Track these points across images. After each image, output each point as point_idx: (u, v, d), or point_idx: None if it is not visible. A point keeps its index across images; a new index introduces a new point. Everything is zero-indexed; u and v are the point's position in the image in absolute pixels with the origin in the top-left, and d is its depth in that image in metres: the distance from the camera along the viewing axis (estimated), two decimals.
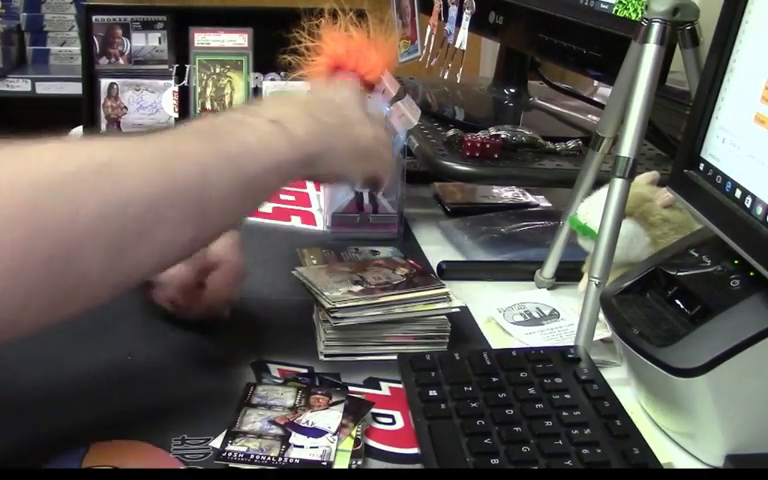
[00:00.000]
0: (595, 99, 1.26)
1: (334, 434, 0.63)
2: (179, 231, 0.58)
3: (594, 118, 1.15)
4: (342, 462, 0.61)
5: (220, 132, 0.63)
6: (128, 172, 0.55)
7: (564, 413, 0.63)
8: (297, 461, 0.60)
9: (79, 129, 1.31)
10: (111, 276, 0.54)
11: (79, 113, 1.30)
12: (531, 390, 0.66)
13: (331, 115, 0.72)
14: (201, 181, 0.59)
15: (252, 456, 0.60)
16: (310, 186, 1.17)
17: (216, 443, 0.61)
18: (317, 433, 0.63)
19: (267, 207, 1.05)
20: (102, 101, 1.29)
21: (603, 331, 0.77)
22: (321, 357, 0.75)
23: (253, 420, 0.64)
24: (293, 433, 0.63)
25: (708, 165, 0.69)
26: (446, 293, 0.77)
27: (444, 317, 0.77)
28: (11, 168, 0.51)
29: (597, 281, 0.75)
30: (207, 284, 0.76)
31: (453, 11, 1.09)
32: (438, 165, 0.98)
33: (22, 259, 0.49)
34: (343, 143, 0.72)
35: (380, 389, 0.72)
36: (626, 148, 0.76)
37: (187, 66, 1.30)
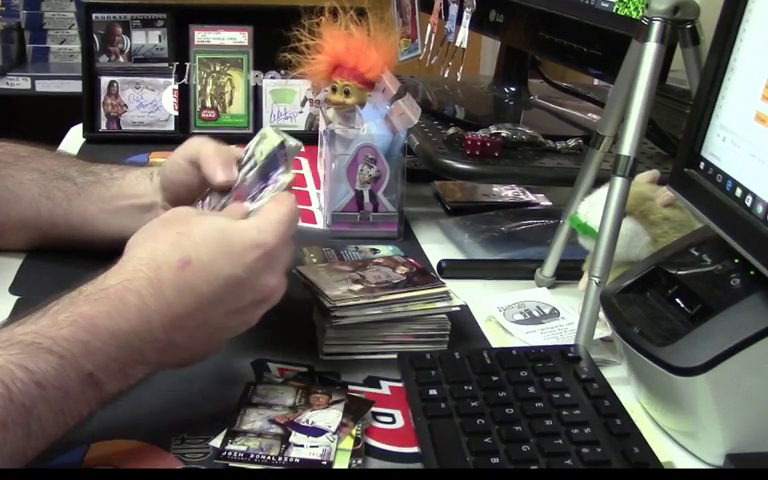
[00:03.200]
0: (595, 97, 1.26)
1: (334, 433, 0.63)
2: None
3: (595, 117, 1.15)
4: (342, 461, 0.61)
5: (5, 413, 0.52)
6: None
7: (564, 412, 0.63)
8: (297, 460, 0.60)
9: (79, 127, 1.31)
10: None
11: (79, 111, 1.30)
12: (531, 389, 0.66)
13: (196, 330, 0.61)
14: None
15: (252, 455, 0.60)
16: (310, 185, 1.17)
17: (216, 443, 0.61)
18: (317, 432, 0.63)
19: None
20: (102, 99, 1.29)
21: (603, 330, 0.77)
22: (321, 356, 0.75)
23: (253, 419, 0.64)
24: (293, 432, 0.63)
25: (708, 164, 0.69)
26: (446, 292, 0.77)
27: (444, 316, 0.77)
28: None
29: (597, 280, 0.75)
30: None
31: (453, 9, 1.09)
32: (438, 163, 0.98)
33: None
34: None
35: (380, 388, 0.72)
36: (626, 147, 0.76)
37: (187, 64, 1.30)
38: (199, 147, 0.76)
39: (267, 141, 0.72)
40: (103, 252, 0.83)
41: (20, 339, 0.54)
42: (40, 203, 0.86)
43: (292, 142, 0.71)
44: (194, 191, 0.78)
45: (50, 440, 0.55)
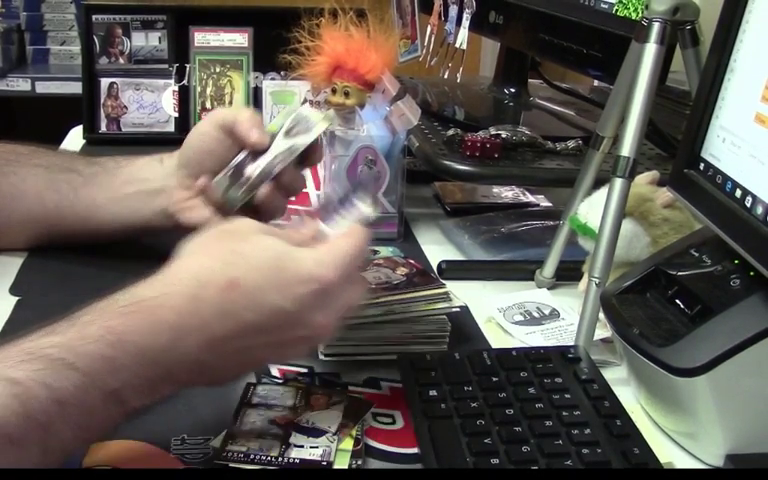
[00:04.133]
0: (595, 99, 1.26)
1: (334, 434, 0.63)
2: None
3: (594, 118, 1.15)
4: (342, 462, 0.61)
5: (20, 432, 0.50)
6: None
7: (564, 413, 0.63)
8: (297, 461, 0.60)
9: (79, 129, 1.31)
10: None
11: (79, 112, 1.30)
12: (531, 390, 0.66)
13: (230, 356, 0.57)
14: None
15: (252, 456, 0.60)
16: (310, 185, 1.17)
17: (216, 443, 0.61)
18: (317, 433, 0.63)
19: None
20: (102, 100, 1.30)
21: (603, 331, 0.77)
22: (321, 357, 0.75)
23: (253, 420, 0.64)
24: (293, 433, 0.63)
25: (708, 165, 0.69)
26: (446, 293, 0.77)
27: (444, 317, 0.77)
28: None
29: (597, 281, 0.75)
30: None
31: (453, 10, 1.09)
32: (438, 165, 0.98)
33: None
34: (223, 380, 0.60)
35: (380, 389, 0.72)
36: (626, 148, 0.76)
37: (187, 65, 1.30)
38: (234, 112, 0.77)
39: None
40: (113, 242, 0.84)
41: (45, 353, 0.52)
42: (46, 196, 0.85)
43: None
44: (220, 159, 0.78)
45: (69, 454, 0.54)
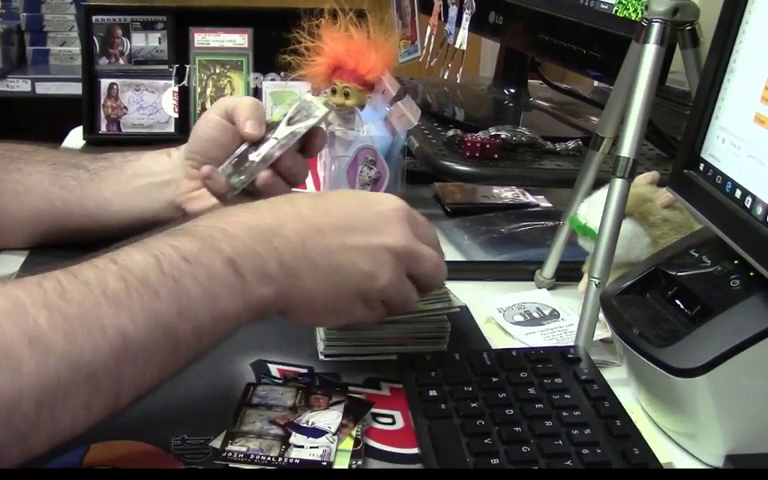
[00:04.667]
0: (595, 99, 1.26)
1: (334, 434, 0.63)
2: (87, 410, 0.52)
3: (594, 118, 1.15)
4: (342, 462, 0.61)
5: (158, 281, 0.54)
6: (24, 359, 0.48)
7: (564, 413, 0.63)
8: (297, 461, 0.60)
9: (79, 130, 1.31)
10: (22, 455, 0.50)
11: (79, 113, 1.30)
12: (531, 390, 0.66)
13: (326, 254, 0.62)
14: (121, 353, 0.52)
15: (252, 456, 0.60)
16: (310, 185, 1.17)
17: (216, 443, 0.61)
18: (317, 433, 0.63)
19: None
20: (102, 101, 1.30)
21: (603, 331, 0.77)
22: (321, 357, 0.75)
23: (253, 420, 0.64)
24: (293, 433, 0.63)
25: (708, 165, 0.69)
26: (446, 293, 0.77)
27: (444, 317, 0.77)
28: None
29: (597, 281, 0.75)
30: None
31: (453, 11, 1.09)
32: (438, 165, 0.98)
33: None
34: (322, 299, 0.63)
35: (380, 389, 0.72)
36: (626, 148, 0.76)
37: (187, 66, 1.30)
38: (236, 100, 0.79)
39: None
40: (121, 237, 0.84)
41: (164, 234, 0.58)
42: (53, 193, 0.85)
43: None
44: (225, 147, 0.79)
45: (200, 328, 0.56)
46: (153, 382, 0.55)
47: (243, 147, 0.80)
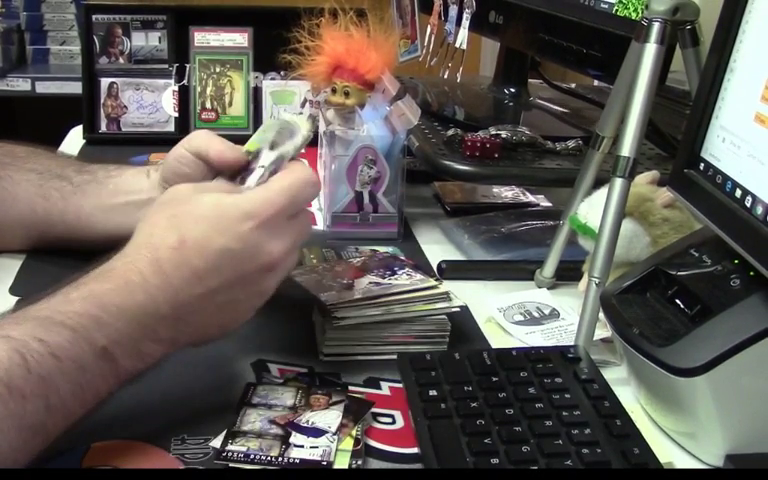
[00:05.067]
0: (595, 99, 1.26)
1: (334, 434, 0.63)
2: None
3: (594, 118, 1.15)
4: (342, 462, 0.61)
5: (24, 382, 0.53)
6: None
7: (564, 413, 0.63)
8: (297, 461, 0.60)
9: (79, 129, 1.31)
10: None
11: (79, 112, 1.30)
12: (531, 390, 0.66)
13: (205, 304, 0.63)
14: None
15: (252, 456, 0.60)
16: None
17: (216, 443, 0.61)
18: (317, 433, 0.63)
19: None
20: (102, 100, 1.30)
21: (603, 331, 0.77)
22: (321, 357, 0.75)
23: (253, 420, 0.64)
24: (293, 433, 0.63)
25: (708, 165, 0.69)
26: (446, 293, 0.77)
27: (444, 317, 0.77)
28: None
29: (597, 280, 0.75)
30: None
31: (453, 10, 1.09)
32: (438, 164, 0.98)
33: None
34: (216, 329, 0.65)
35: (380, 389, 0.72)
36: (626, 148, 0.76)
37: (187, 65, 1.30)
38: (207, 139, 0.76)
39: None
40: (101, 251, 0.84)
41: (34, 315, 0.57)
42: (36, 203, 0.85)
43: (304, 130, 0.72)
44: (197, 182, 0.77)
45: (70, 418, 0.56)
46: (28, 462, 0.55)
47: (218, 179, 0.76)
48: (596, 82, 1.36)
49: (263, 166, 0.70)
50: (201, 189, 0.67)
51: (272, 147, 0.71)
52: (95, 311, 0.58)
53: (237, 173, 0.72)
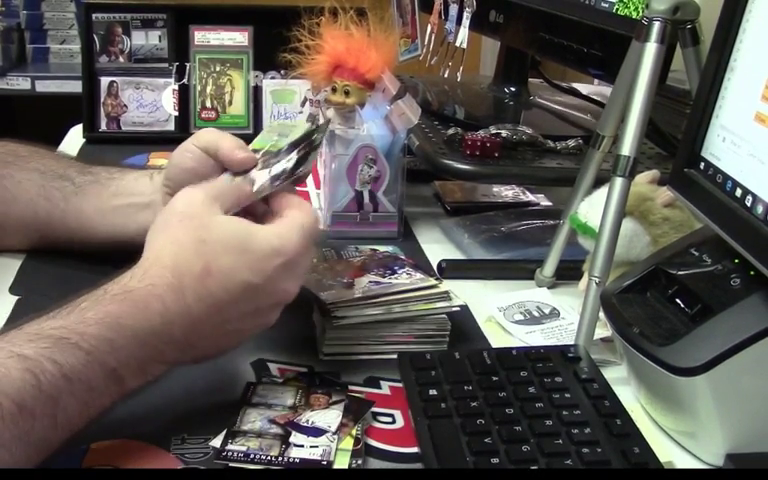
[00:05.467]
0: (595, 98, 1.26)
1: (334, 433, 0.63)
2: None
3: (594, 117, 1.15)
4: (342, 461, 0.61)
5: (34, 402, 0.54)
6: None
7: (564, 412, 0.63)
8: (297, 460, 0.60)
9: (79, 128, 1.31)
10: None
11: (79, 111, 1.29)
12: (531, 389, 0.66)
13: (215, 333, 0.64)
14: None
15: (252, 456, 0.60)
16: (310, 185, 1.17)
17: (216, 443, 0.61)
18: (317, 432, 0.63)
19: None
20: (102, 99, 1.29)
21: (603, 330, 0.77)
22: (321, 356, 0.75)
23: (253, 419, 0.64)
24: (293, 432, 0.63)
25: (708, 164, 0.69)
26: (446, 292, 0.77)
27: (444, 316, 0.77)
28: None
29: (597, 280, 0.75)
30: None
31: (453, 9, 1.09)
32: (438, 164, 0.98)
33: None
34: (214, 352, 0.66)
35: (380, 388, 0.72)
36: (626, 147, 0.76)
37: (187, 64, 1.30)
38: (218, 136, 0.76)
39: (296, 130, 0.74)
40: (102, 253, 0.84)
41: (50, 333, 0.57)
42: (38, 204, 0.85)
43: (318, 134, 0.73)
44: (202, 179, 0.77)
45: (74, 430, 0.57)
46: None
47: (225, 176, 0.75)
48: (596, 81, 1.36)
49: (275, 174, 0.70)
50: (215, 199, 0.66)
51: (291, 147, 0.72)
52: (110, 335, 0.58)
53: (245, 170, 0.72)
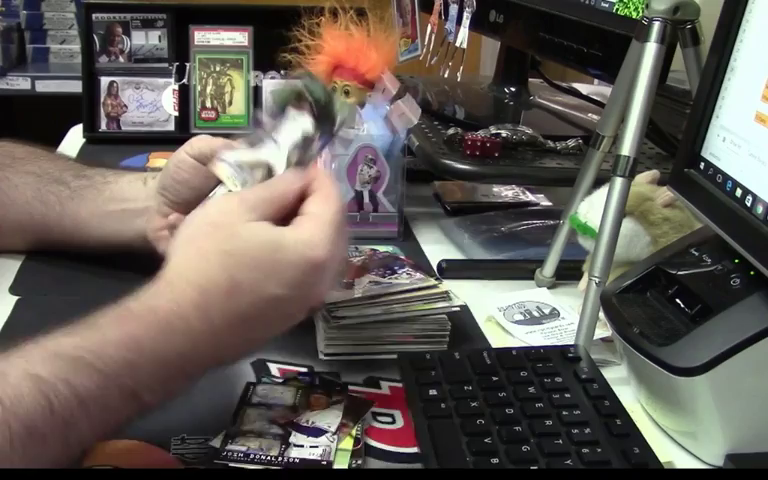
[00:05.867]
0: (595, 97, 1.26)
1: (334, 433, 0.63)
2: None
3: (594, 117, 1.15)
4: (342, 461, 0.61)
5: (45, 425, 0.52)
6: None
7: (564, 412, 0.63)
8: (297, 461, 0.60)
9: (79, 128, 1.31)
10: None
11: (79, 111, 1.30)
12: (531, 389, 0.66)
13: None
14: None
15: (252, 456, 0.60)
16: None
17: (216, 443, 0.61)
18: (317, 432, 0.63)
19: None
20: (102, 99, 1.29)
21: (603, 330, 0.77)
22: (321, 356, 0.75)
23: (253, 420, 0.64)
24: (293, 432, 0.63)
25: (709, 164, 0.69)
26: (446, 292, 0.77)
27: (444, 316, 0.77)
28: None
29: (597, 280, 0.75)
30: None
31: (453, 10, 1.09)
32: (438, 164, 0.98)
33: None
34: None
35: (380, 388, 0.72)
36: (626, 147, 0.76)
37: (187, 64, 1.30)
38: (210, 143, 0.75)
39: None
40: (99, 255, 0.84)
41: (67, 353, 0.54)
42: (34, 207, 0.85)
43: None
44: (198, 190, 0.77)
45: (85, 446, 0.56)
46: None
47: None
48: (596, 81, 1.36)
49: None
50: (247, 210, 0.62)
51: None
52: (130, 356, 0.55)
53: None
